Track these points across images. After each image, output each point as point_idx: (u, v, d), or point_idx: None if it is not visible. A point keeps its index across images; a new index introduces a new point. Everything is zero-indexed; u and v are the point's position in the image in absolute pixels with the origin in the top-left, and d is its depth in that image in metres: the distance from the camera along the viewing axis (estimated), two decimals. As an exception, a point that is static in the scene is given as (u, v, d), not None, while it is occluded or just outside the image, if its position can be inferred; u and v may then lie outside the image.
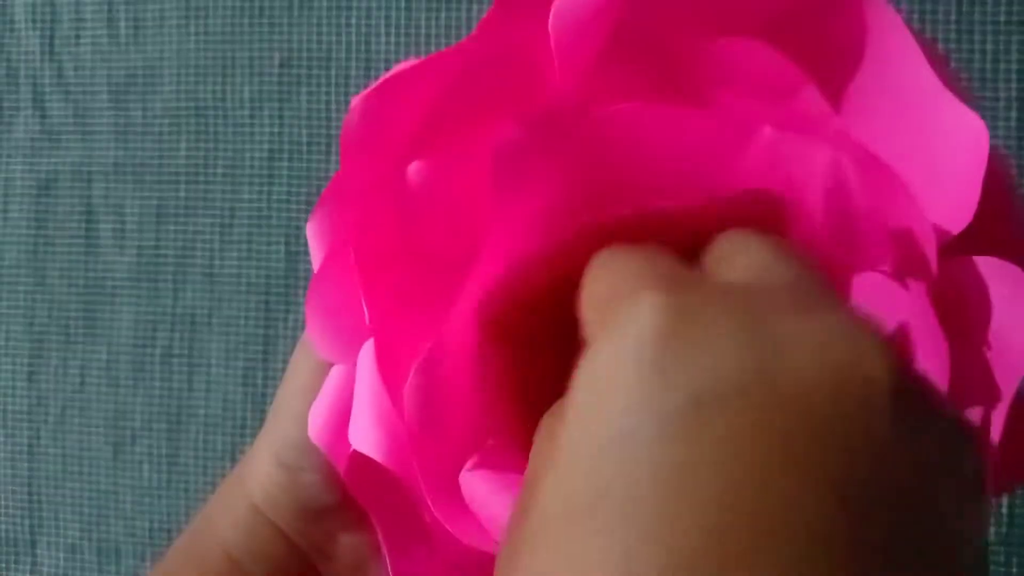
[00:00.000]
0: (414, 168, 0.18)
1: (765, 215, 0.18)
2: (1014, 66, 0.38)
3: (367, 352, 0.19)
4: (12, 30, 0.48)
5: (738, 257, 0.16)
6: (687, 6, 0.17)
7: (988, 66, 0.38)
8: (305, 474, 0.22)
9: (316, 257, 0.20)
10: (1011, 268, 0.17)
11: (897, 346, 0.14)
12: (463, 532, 0.18)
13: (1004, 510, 0.37)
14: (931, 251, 0.17)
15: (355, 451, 0.19)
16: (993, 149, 0.17)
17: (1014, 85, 0.38)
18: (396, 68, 0.19)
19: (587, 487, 0.13)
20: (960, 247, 0.17)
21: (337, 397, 0.20)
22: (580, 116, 0.17)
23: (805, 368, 0.13)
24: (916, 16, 0.38)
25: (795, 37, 0.17)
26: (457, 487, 0.18)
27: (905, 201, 0.17)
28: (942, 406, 0.14)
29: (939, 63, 0.18)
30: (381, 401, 0.18)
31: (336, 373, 0.20)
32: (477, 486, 0.18)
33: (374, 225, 0.19)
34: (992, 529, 0.37)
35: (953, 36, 0.38)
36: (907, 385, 0.14)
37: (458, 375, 0.18)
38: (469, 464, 0.18)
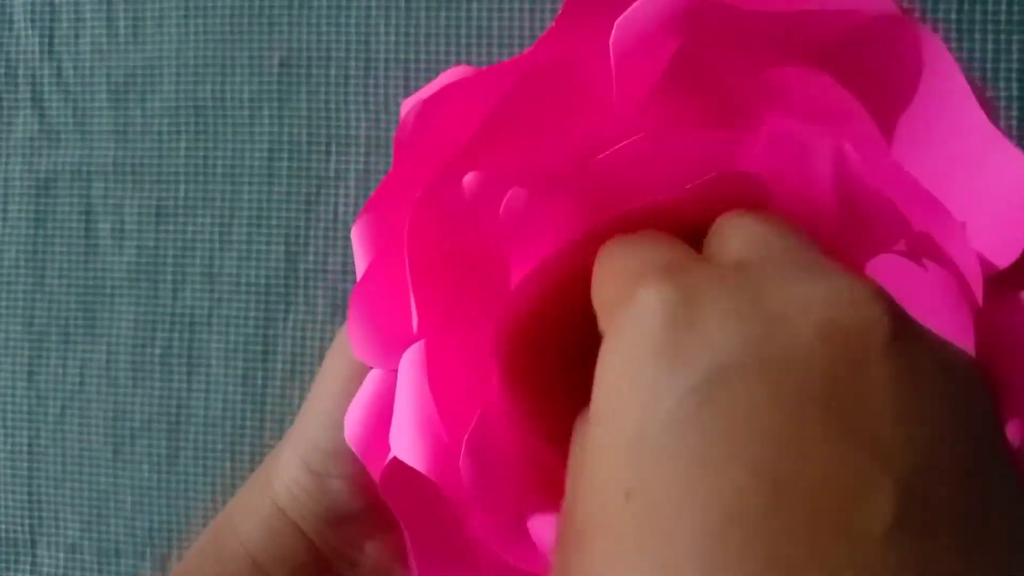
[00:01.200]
0: (470, 178, 0.18)
1: (767, 199, 0.18)
2: (1015, 65, 0.38)
3: (410, 358, 0.19)
4: (11, 29, 0.48)
5: (734, 236, 0.16)
6: (746, 33, 0.17)
7: (988, 65, 0.38)
8: (333, 480, 0.22)
9: (361, 260, 0.20)
10: None
11: (890, 296, 0.14)
12: (524, 562, 0.18)
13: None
14: (976, 279, 0.16)
15: (393, 458, 0.18)
16: None
17: (1015, 84, 0.37)
18: (452, 74, 0.18)
19: (616, 491, 0.14)
20: (1008, 283, 0.17)
21: (375, 402, 0.20)
22: (598, 151, 0.17)
23: (805, 330, 0.14)
24: (916, 15, 0.38)
25: (849, 67, 0.17)
26: (516, 526, 0.18)
27: (945, 224, 0.16)
28: (945, 346, 0.14)
29: (986, 102, 0.18)
30: (426, 411, 0.18)
31: (374, 377, 0.20)
32: (545, 528, 0.17)
33: (425, 232, 0.18)
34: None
35: (954, 35, 0.38)
36: (905, 328, 0.14)
37: (506, 439, 0.18)
38: (534, 511, 0.18)
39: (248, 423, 0.45)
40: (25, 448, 0.48)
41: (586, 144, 0.18)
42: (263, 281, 0.45)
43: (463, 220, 0.18)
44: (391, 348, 0.19)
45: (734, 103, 0.17)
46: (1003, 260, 0.16)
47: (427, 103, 0.18)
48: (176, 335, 0.46)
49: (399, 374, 0.19)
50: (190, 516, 0.46)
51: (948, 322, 0.16)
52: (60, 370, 0.48)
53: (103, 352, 0.47)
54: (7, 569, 0.48)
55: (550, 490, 0.18)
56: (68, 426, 0.47)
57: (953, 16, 0.38)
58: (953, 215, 0.16)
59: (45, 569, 0.48)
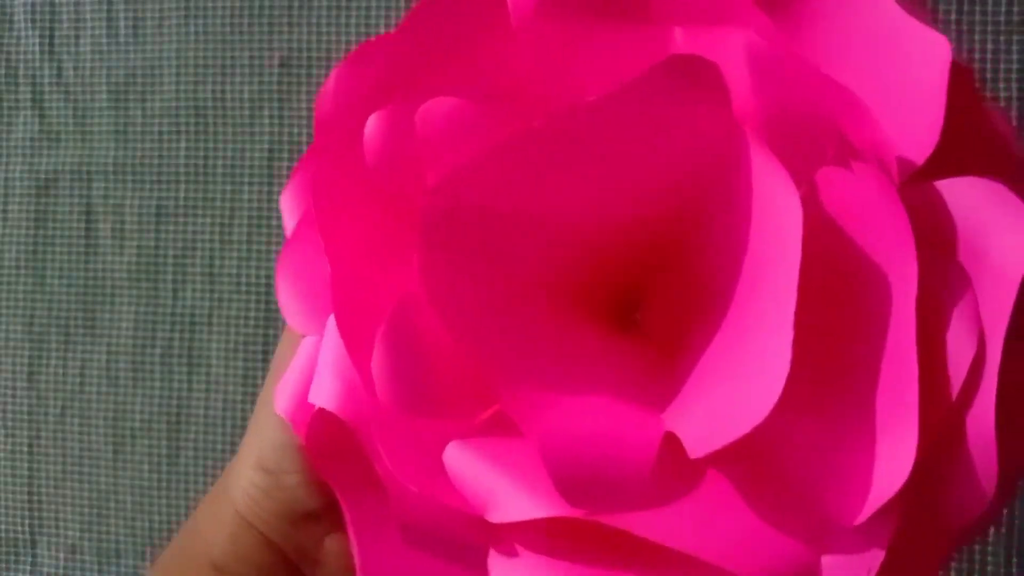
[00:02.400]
0: (372, 120, 0.18)
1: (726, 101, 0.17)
2: (1015, 66, 0.38)
3: (332, 317, 0.18)
4: (11, 30, 0.48)
5: None
6: None
7: (988, 66, 0.38)
8: (287, 476, 0.21)
9: (288, 227, 0.19)
10: (992, 184, 0.16)
11: None
12: (434, 493, 0.17)
13: (1005, 511, 0.37)
14: (888, 155, 0.16)
15: (316, 414, 0.18)
16: (957, 64, 0.16)
17: (1014, 85, 0.38)
18: (367, 40, 0.19)
19: None
20: (935, 169, 0.16)
21: (304, 369, 0.20)
22: (510, 66, 0.17)
23: None
24: (916, 16, 0.38)
25: None
26: (425, 449, 0.17)
27: (854, 110, 0.16)
28: None
29: None
30: (341, 357, 0.18)
31: (306, 345, 0.20)
32: (460, 458, 0.17)
33: (337, 181, 0.18)
34: (992, 529, 0.37)
35: (954, 36, 0.38)
36: None
37: (428, 330, 0.17)
38: (455, 442, 0.17)
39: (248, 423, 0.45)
40: (25, 448, 0.48)
41: (494, 66, 0.18)
42: (263, 281, 0.45)
43: (372, 161, 0.18)
44: (319, 311, 0.19)
45: (630, 12, 0.17)
46: (923, 150, 0.16)
47: (343, 66, 0.18)
48: (176, 335, 0.46)
49: (324, 333, 0.19)
50: (190, 516, 0.46)
51: (881, 218, 0.16)
52: (60, 370, 0.48)
53: (103, 352, 0.47)
54: (7, 569, 0.48)
55: (466, 393, 0.17)
56: (68, 426, 0.47)
57: (953, 16, 0.38)
58: (866, 106, 0.16)
59: (45, 569, 0.48)
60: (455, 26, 0.18)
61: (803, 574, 0.15)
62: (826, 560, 0.15)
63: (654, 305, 0.20)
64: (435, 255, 0.17)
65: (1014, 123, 0.38)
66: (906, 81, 0.16)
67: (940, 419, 0.15)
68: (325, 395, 0.18)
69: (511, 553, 0.17)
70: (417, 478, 0.17)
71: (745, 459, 0.16)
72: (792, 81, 0.16)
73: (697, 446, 0.16)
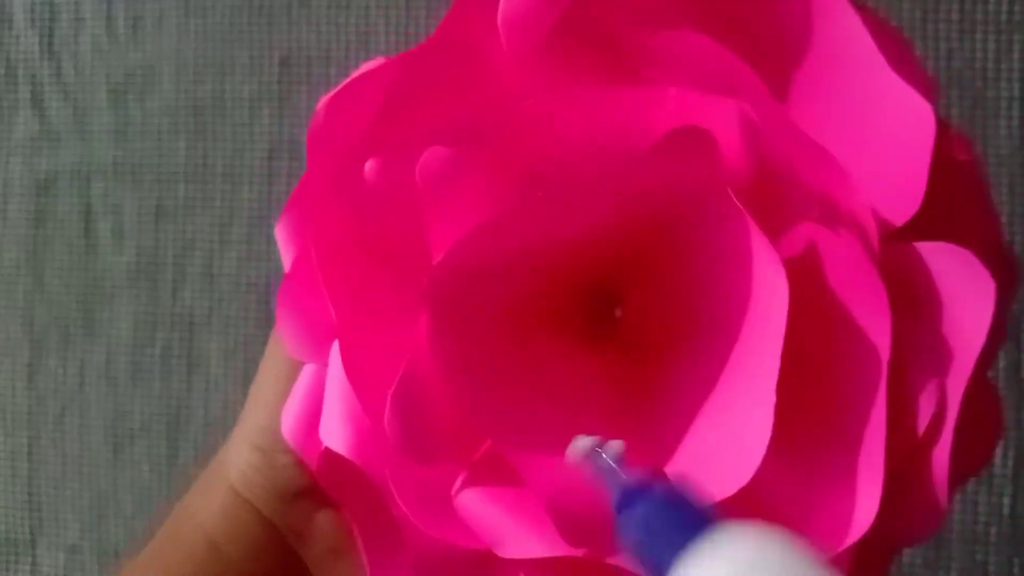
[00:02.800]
0: (369, 166, 0.18)
1: (718, 165, 0.18)
2: (1016, 65, 0.38)
3: (336, 351, 0.19)
4: (11, 29, 0.48)
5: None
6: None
7: (990, 65, 0.38)
8: (280, 456, 0.22)
9: (286, 258, 0.20)
10: (963, 253, 0.17)
11: None
12: (446, 534, 0.19)
13: (1006, 511, 0.37)
14: (868, 222, 0.17)
15: (326, 448, 0.19)
16: (947, 131, 0.17)
17: (1016, 84, 0.37)
18: (361, 68, 0.19)
19: None
20: (917, 232, 0.17)
21: (308, 396, 0.21)
22: (507, 114, 0.18)
23: None
24: (919, 15, 0.38)
25: (741, 25, 0.17)
26: (437, 494, 0.19)
27: (838, 177, 0.17)
28: None
29: (894, 47, 0.18)
30: (350, 399, 0.19)
31: (308, 372, 0.21)
32: (471, 503, 0.18)
33: (336, 224, 0.19)
34: (993, 529, 0.37)
35: (956, 35, 0.38)
36: None
37: (435, 388, 0.18)
38: (459, 483, 0.19)
39: (248, 423, 0.45)
40: (25, 449, 0.48)
41: (487, 116, 0.18)
42: (263, 281, 0.45)
43: (371, 206, 0.19)
44: (320, 342, 0.20)
45: (625, 68, 0.18)
46: (903, 214, 0.17)
47: (335, 97, 0.19)
48: (176, 335, 0.46)
49: (329, 367, 0.19)
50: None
51: (861, 283, 0.17)
52: (60, 371, 0.48)
53: (103, 353, 0.47)
54: (7, 570, 0.48)
55: (471, 442, 0.19)
56: (68, 427, 0.47)
57: (954, 16, 0.38)
58: (849, 175, 0.17)
59: (45, 570, 0.48)
60: (446, 66, 0.18)
61: None
62: None
63: (639, 341, 0.21)
64: (442, 322, 0.18)
65: (1015, 123, 0.38)
66: (893, 146, 0.17)
67: (902, 462, 0.17)
68: (337, 439, 0.19)
69: None
70: (428, 520, 0.19)
71: (729, 504, 0.17)
72: (780, 148, 0.17)
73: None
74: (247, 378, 0.45)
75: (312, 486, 0.22)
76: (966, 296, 0.17)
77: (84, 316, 0.47)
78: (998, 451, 0.37)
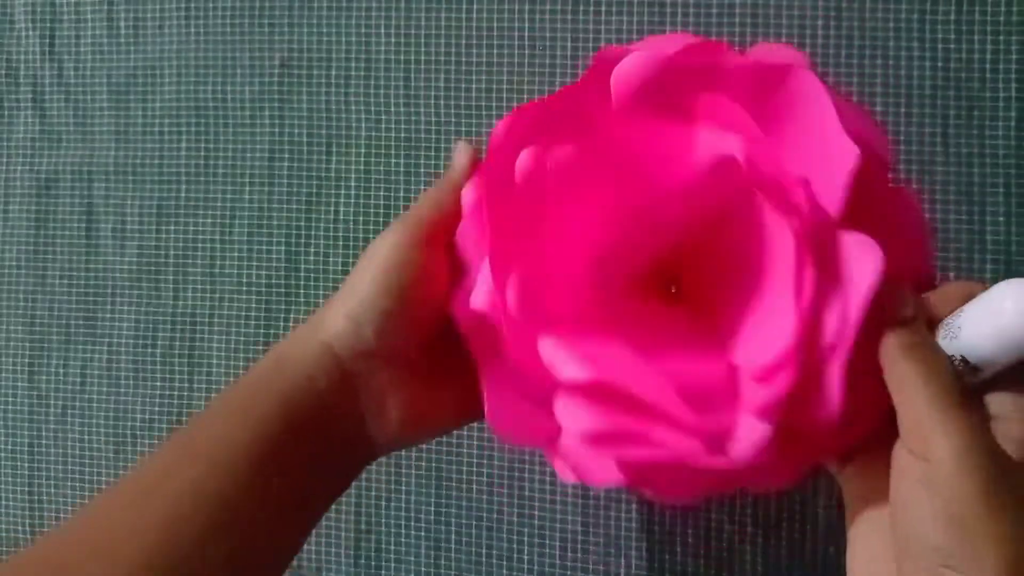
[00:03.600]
0: (523, 154, 0.31)
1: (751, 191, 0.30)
2: (1013, 66, 0.38)
3: (487, 260, 0.31)
4: (12, 30, 0.49)
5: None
6: (690, 76, 0.30)
7: (988, 66, 0.38)
8: (365, 327, 0.32)
9: (466, 205, 0.33)
10: (866, 239, 0.28)
11: None
12: (536, 368, 0.30)
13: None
14: (807, 210, 0.28)
15: (474, 309, 0.31)
16: (872, 161, 0.28)
17: (1013, 85, 0.38)
18: (522, 106, 0.31)
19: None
20: (844, 224, 0.28)
21: (465, 287, 0.33)
22: (614, 133, 0.30)
23: None
24: (916, 16, 0.38)
25: (754, 92, 0.29)
26: (530, 343, 0.30)
27: (800, 183, 0.29)
28: None
29: (848, 109, 0.29)
30: (490, 283, 0.31)
31: (481, 271, 0.33)
32: (548, 347, 0.30)
33: (499, 187, 0.31)
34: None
35: (953, 36, 0.38)
36: None
37: (553, 281, 0.31)
38: (545, 339, 0.30)
39: (249, 423, 0.45)
40: (26, 448, 0.48)
41: (600, 131, 0.31)
42: (264, 280, 0.45)
43: (522, 179, 0.31)
44: (479, 257, 0.32)
45: (684, 114, 0.30)
46: (834, 210, 0.28)
47: (511, 117, 0.31)
48: (177, 334, 0.46)
49: (482, 268, 0.32)
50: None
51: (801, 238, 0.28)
52: (61, 370, 0.48)
53: (104, 352, 0.47)
54: (8, 569, 0.48)
55: (564, 329, 0.30)
56: (69, 426, 0.48)
57: (952, 17, 0.38)
58: (808, 182, 0.28)
59: (46, 569, 0.48)
60: (577, 105, 0.31)
61: (727, 428, 0.28)
62: (742, 424, 0.28)
63: (694, 300, 0.33)
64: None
65: (1012, 123, 0.38)
66: (832, 169, 0.28)
67: (813, 364, 0.27)
68: (481, 303, 0.31)
69: (569, 401, 0.30)
70: (523, 357, 0.30)
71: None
72: (765, 164, 0.29)
73: (749, 364, 0.29)
74: (248, 378, 0.45)
75: (380, 349, 0.32)
76: (863, 259, 0.27)
77: (86, 316, 0.47)
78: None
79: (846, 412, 0.27)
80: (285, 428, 0.30)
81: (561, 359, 0.30)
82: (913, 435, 0.25)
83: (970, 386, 0.26)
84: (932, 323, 0.28)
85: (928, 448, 0.24)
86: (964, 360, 0.26)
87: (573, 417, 0.30)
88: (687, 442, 0.28)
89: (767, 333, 0.29)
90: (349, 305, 0.32)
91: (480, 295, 0.31)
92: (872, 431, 0.29)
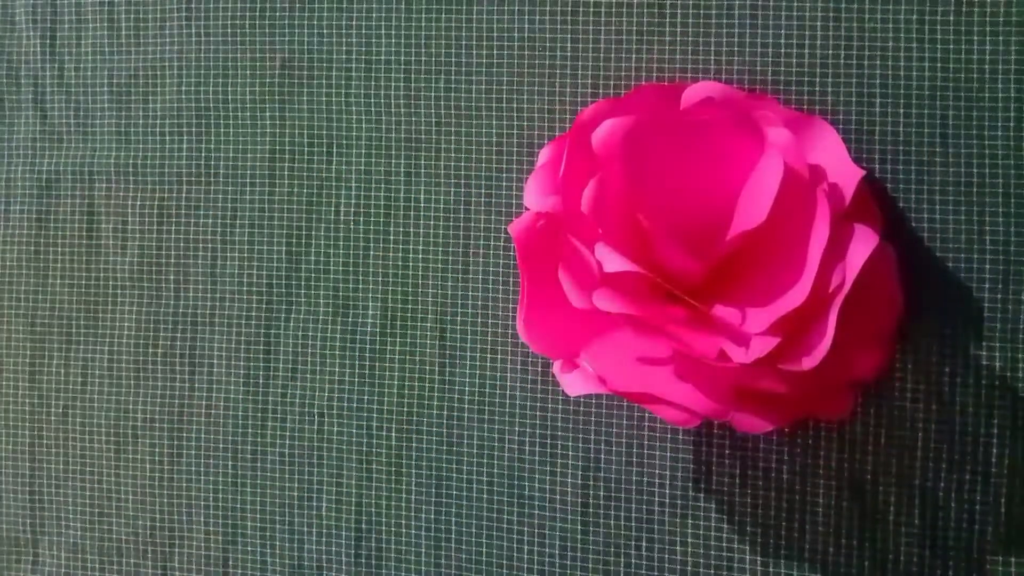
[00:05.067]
0: (590, 184, 0.35)
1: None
2: (1012, 66, 0.38)
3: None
4: (13, 30, 0.49)
5: None
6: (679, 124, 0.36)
7: (987, 67, 0.38)
8: None
9: (542, 160, 0.37)
10: (865, 229, 0.34)
11: None
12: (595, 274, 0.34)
13: (1003, 509, 0.37)
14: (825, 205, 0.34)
15: (532, 224, 0.36)
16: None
17: (1012, 85, 0.38)
18: (590, 106, 0.37)
19: None
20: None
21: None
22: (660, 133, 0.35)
23: None
24: (915, 16, 0.38)
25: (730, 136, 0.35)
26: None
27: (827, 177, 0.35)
28: None
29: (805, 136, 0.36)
30: (551, 193, 0.36)
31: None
32: (604, 254, 0.34)
33: (578, 147, 0.35)
34: (990, 529, 0.37)
35: (952, 36, 0.38)
36: None
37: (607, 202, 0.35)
38: (600, 244, 0.34)
39: (250, 422, 0.45)
40: (27, 448, 0.48)
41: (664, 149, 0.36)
42: (265, 281, 0.45)
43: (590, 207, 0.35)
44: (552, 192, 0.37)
45: (692, 136, 0.35)
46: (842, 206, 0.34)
47: (593, 110, 0.36)
48: (179, 335, 0.46)
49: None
50: (193, 515, 0.46)
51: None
52: (62, 370, 0.48)
53: (105, 352, 0.47)
54: (9, 568, 0.48)
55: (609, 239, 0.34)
56: (70, 425, 0.48)
57: (951, 17, 0.38)
58: (826, 173, 0.35)
59: (47, 569, 0.48)
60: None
61: (736, 340, 0.33)
62: (754, 339, 0.33)
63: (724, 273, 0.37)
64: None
65: (1011, 124, 0.38)
66: (838, 180, 0.35)
67: (815, 304, 0.32)
68: (550, 205, 0.36)
69: (607, 291, 0.34)
70: (575, 259, 0.35)
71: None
72: (799, 166, 0.34)
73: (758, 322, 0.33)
74: (249, 378, 0.46)
75: None
76: (862, 238, 0.33)
77: (87, 316, 0.47)
78: (993, 450, 0.37)
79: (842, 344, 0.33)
80: None
81: (608, 256, 0.34)
82: None
83: None
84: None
85: None
86: None
87: (611, 265, 0.33)
88: (712, 339, 0.33)
89: (782, 280, 0.34)
90: None
91: (550, 199, 0.36)
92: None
